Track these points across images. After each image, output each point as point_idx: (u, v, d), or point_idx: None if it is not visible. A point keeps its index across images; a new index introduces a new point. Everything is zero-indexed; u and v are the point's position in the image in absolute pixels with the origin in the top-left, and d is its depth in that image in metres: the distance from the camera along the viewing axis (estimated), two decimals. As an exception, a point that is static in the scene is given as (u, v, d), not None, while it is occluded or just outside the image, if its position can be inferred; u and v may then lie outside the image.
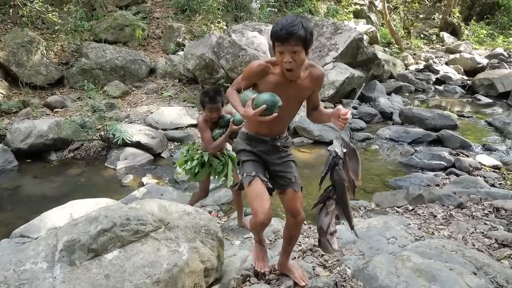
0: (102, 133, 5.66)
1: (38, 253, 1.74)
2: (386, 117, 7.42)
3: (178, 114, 6.53)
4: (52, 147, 5.61)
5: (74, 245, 1.71)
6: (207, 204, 4.02)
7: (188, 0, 9.89)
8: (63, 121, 5.59)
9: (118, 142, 5.27)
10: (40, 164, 5.46)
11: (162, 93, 7.65)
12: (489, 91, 9.52)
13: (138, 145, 5.51)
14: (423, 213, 3.62)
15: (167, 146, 5.88)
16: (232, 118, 2.83)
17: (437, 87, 10.56)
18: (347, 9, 13.72)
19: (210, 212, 3.76)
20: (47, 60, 7.54)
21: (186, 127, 6.38)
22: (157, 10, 10.37)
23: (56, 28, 8.00)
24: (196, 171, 3.04)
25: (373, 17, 14.45)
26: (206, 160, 2.99)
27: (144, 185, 4.54)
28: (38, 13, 7.87)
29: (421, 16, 17.32)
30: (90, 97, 5.94)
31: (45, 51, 7.58)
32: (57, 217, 3.00)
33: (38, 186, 4.88)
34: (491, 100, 9.00)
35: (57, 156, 5.64)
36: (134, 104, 7.28)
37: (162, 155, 5.67)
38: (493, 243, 2.98)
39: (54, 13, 7.59)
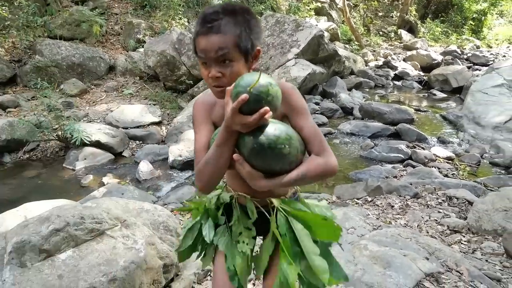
0: (60, 133, 5.45)
1: (-15, 256, 1.66)
2: (347, 112, 7.60)
3: (139, 112, 6.40)
4: (5, 149, 5.33)
5: (24, 246, 1.65)
6: (170, 202, 3.97)
7: (148, -4, 9.69)
8: (16, 121, 5.33)
9: (76, 143, 5.10)
10: (-8, 166, 5.19)
11: (123, 91, 7.46)
12: (443, 86, 9.96)
13: (98, 144, 5.35)
14: (381, 203, 3.75)
15: (129, 145, 5.75)
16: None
17: (395, 82, 10.93)
18: (308, 6, 13.92)
19: (172, 211, 3.71)
20: (-2, 57, 7.16)
21: (148, 125, 6.26)
22: (116, 5, 10.08)
23: (6, 23, 7.60)
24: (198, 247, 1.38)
25: (334, 14, 14.74)
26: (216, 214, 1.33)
27: (104, 185, 4.42)
28: (-14, 8, 7.45)
29: (380, 14, 17.86)
30: (45, 96, 5.70)
31: (-6, 48, 7.19)
32: (11, 220, 2.87)
33: (-10, 189, 4.63)
34: (445, 95, 9.43)
35: (11, 158, 5.37)
36: (93, 102, 7.06)
37: (124, 154, 5.54)
38: (445, 230, 3.14)
39: (4, 8, 7.22)
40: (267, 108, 0.98)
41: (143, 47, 8.28)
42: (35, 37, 7.81)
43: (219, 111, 1.19)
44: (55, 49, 7.58)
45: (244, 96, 0.95)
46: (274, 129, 1.03)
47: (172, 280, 2.03)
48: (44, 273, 1.60)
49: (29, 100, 6.69)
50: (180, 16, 9.69)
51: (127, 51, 8.60)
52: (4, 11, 7.20)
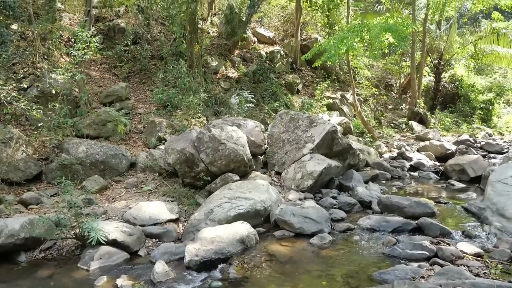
0: (77, 231, 5.47)
1: None
2: (365, 206, 7.49)
3: (157, 208, 6.44)
4: (22, 247, 5.32)
5: None
6: None
7: (170, 97, 10.37)
8: (37, 218, 5.40)
9: (92, 242, 5.08)
10: (7, 266, 5.13)
11: (142, 187, 7.61)
12: (461, 176, 9.87)
13: (114, 243, 5.32)
14: (410, 309, 3.51)
15: (145, 243, 5.69)
16: None
17: (411, 173, 10.89)
18: (320, 102, 14.60)
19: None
20: (27, 156, 7.53)
21: (165, 222, 6.25)
22: (140, 106, 10.78)
23: (39, 124, 8.14)
24: None
25: (345, 109, 15.37)
26: None
27: (118, 288, 4.29)
28: (23, 111, 8.05)
29: (389, 106, 18.52)
30: (67, 193, 5.85)
31: (24, 147, 7.59)
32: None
33: (3, 292, 4.53)
34: (464, 185, 9.29)
35: (26, 257, 5.34)
36: (113, 199, 7.17)
37: (139, 253, 5.46)
38: None
39: (39, 110, 7.79)
40: None
41: (163, 144, 8.64)
42: (64, 136, 8.27)
43: None
44: (81, 147, 7.95)
45: None
46: None
47: None
48: None
49: (51, 196, 6.85)
50: (199, 115, 10.24)
51: (149, 149, 8.97)
52: (39, 114, 7.76)
